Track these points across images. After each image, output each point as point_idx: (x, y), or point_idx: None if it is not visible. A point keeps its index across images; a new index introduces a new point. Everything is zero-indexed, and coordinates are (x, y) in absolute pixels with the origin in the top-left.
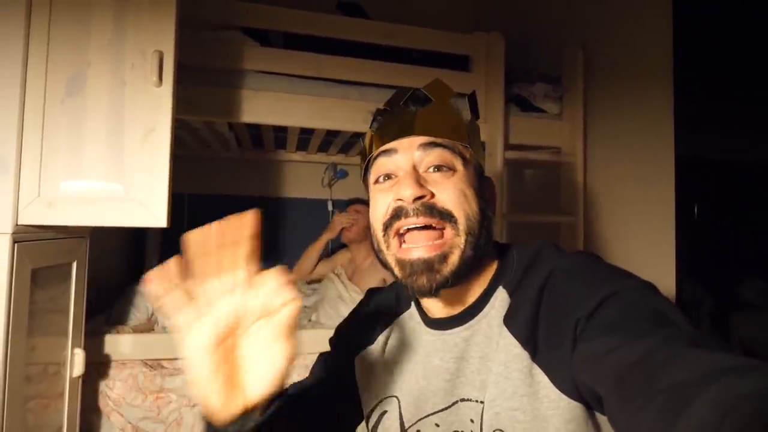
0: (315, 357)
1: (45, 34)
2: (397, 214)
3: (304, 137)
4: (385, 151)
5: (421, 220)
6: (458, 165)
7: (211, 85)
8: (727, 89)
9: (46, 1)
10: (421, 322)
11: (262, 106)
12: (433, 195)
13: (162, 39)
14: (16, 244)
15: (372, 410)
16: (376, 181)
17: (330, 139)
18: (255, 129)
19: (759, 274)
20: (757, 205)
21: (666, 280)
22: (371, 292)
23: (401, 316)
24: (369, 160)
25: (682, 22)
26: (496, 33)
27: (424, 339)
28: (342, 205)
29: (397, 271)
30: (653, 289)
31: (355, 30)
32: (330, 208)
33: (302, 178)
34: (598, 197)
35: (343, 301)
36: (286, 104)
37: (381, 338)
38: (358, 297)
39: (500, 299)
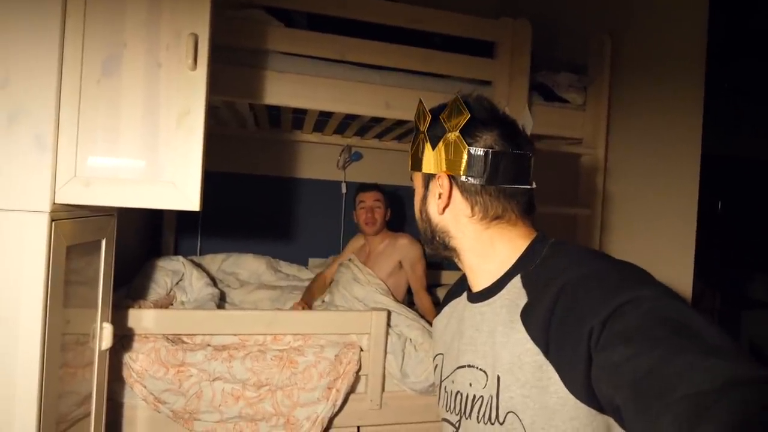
0: (328, 338)
1: (81, 14)
2: None
3: (322, 119)
4: None
5: None
6: (415, 184)
7: (234, 65)
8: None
9: None
10: (465, 296)
11: (286, 89)
12: None
13: (197, 21)
14: (53, 223)
15: (434, 361)
16: None
17: (348, 122)
18: (274, 109)
19: None
20: None
21: (683, 279)
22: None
23: (464, 293)
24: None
25: (718, 11)
26: (523, 19)
27: (464, 309)
28: (355, 189)
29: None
30: (671, 295)
31: (381, 13)
32: (344, 190)
33: (317, 159)
34: (618, 191)
35: (359, 282)
36: (309, 87)
37: (447, 308)
38: (373, 279)
39: (515, 287)
